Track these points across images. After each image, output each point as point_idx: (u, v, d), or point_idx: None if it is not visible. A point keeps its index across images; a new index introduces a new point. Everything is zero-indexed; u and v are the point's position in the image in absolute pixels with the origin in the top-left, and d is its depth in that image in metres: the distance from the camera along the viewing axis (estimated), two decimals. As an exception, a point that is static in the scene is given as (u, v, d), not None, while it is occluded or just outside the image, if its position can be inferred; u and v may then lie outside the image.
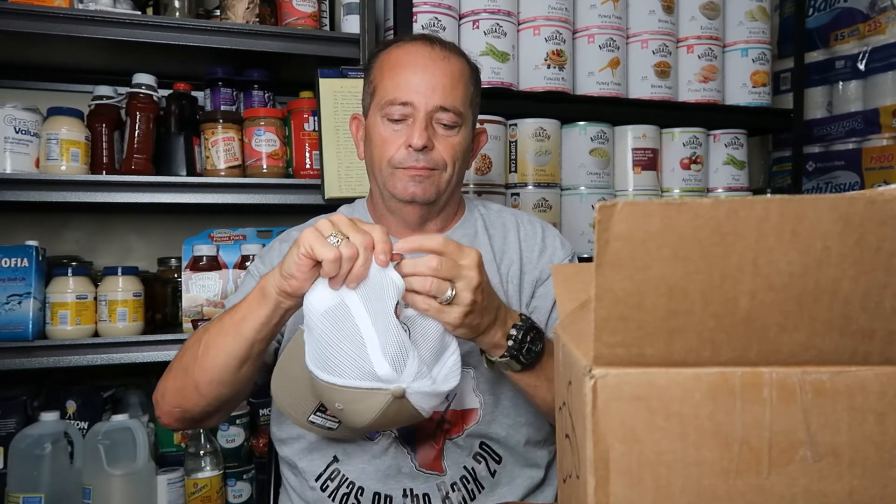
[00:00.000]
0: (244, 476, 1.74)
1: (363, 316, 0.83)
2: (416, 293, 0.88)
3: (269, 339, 0.97)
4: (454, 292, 0.88)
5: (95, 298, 1.61)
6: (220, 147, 1.70)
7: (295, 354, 0.91)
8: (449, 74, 1.11)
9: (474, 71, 1.19)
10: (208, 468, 1.64)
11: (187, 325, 1.67)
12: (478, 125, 1.23)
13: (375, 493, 1.09)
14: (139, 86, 1.65)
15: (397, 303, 0.86)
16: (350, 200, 1.30)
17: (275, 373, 0.97)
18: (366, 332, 0.83)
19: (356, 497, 1.09)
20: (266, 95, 1.86)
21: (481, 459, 1.12)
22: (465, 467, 1.11)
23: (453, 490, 1.10)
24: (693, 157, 2.12)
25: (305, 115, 1.73)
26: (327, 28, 1.84)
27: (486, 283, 0.91)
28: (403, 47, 1.14)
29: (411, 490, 1.09)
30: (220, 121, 1.70)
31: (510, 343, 0.96)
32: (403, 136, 1.11)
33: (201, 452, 1.65)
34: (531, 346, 0.97)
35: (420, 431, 1.10)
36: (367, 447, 1.10)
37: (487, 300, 0.92)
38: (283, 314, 0.93)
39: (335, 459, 1.11)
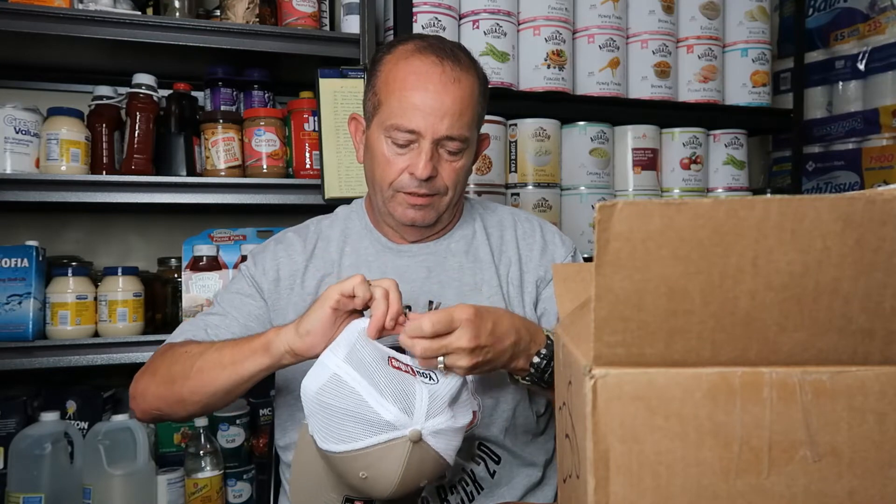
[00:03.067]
0: (244, 476, 1.74)
1: (356, 377, 0.83)
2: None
3: (267, 375, 0.99)
4: (443, 366, 0.87)
5: (95, 298, 1.61)
6: (220, 147, 1.70)
7: (304, 460, 0.90)
8: (459, 100, 1.06)
9: (483, 83, 1.13)
10: (208, 468, 1.64)
11: (187, 325, 1.67)
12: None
13: (374, 495, 1.09)
14: (139, 86, 1.65)
15: (390, 357, 0.87)
16: (349, 200, 1.30)
17: (291, 487, 0.95)
18: (363, 390, 0.82)
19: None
20: (266, 95, 1.86)
21: (480, 461, 1.12)
22: (463, 469, 1.11)
23: (452, 493, 1.10)
24: (693, 157, 2.12)
25: (305, 115, 1.73)
26: (327, 28, 1.84)
27: (485, 336, 0.88)
28: (413, 63, 1.07)
29: (410, 493, 1.09)
30: (220, 121, 1.71)
31: (532, 370, 0.96)
32: (407, 161, 1.08)
33: (201, 452, 1.64)
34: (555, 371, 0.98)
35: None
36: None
37: (495, 348, 0.90)
38: (283, 366, 0.96)
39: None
